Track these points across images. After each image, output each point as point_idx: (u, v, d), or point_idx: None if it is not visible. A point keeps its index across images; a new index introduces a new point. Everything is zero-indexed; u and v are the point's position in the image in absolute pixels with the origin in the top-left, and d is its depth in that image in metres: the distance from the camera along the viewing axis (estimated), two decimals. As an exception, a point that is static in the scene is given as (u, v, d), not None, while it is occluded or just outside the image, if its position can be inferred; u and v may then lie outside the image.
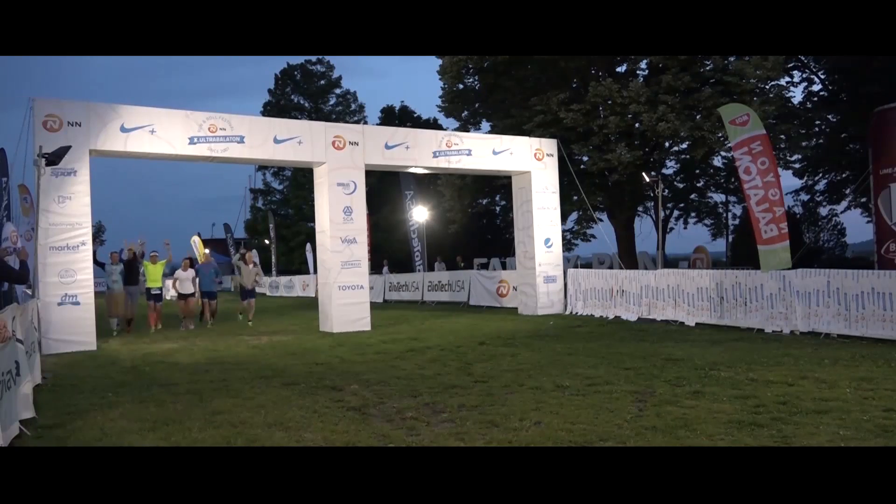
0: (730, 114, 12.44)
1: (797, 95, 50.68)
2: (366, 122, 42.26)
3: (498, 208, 36.43)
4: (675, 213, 28.61)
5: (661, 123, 18.56)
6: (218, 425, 5.72)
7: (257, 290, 17.43)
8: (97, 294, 12.18)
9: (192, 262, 16.13)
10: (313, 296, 23.75)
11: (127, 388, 7.60)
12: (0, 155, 15.70)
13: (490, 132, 22.64)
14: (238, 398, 6.91)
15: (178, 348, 11.39)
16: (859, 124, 18.71)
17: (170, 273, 16.72)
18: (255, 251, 17.16)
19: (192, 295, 14.92)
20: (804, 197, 26.77)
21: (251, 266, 16.03)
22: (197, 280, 15.16)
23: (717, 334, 11.03)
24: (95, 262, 12.72)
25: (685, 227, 29.49)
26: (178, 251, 13.57)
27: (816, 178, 25.47)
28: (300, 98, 45.85)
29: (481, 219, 36.13)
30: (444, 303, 20.92)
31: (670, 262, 24.39)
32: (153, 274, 14.53)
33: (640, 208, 26.21)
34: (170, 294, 19.14)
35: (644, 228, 62.89)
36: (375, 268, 25.41)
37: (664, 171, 23.90)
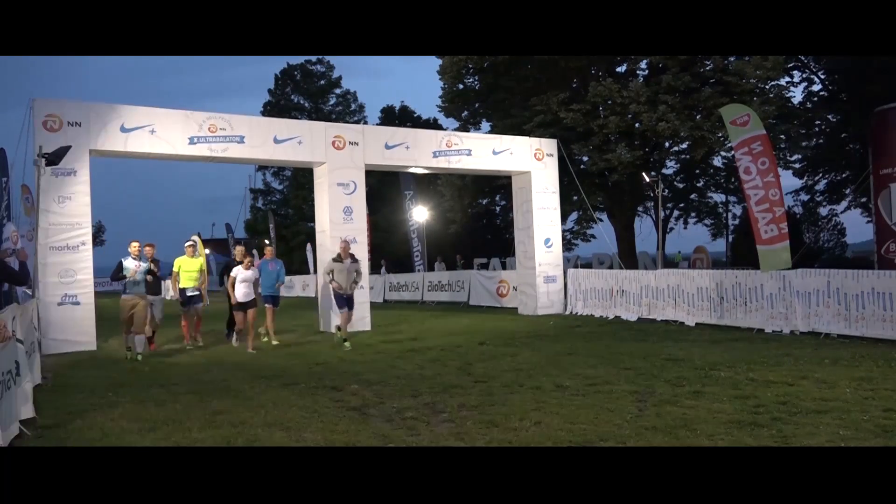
0: (730, 114, 12.45)
1: (797, 95, 50.72)
2: (366, 122, 42.27)
3: (498, 208, 36.44)
4: (675, 213, 28.63)
5: (661, 123, 18.58)
6: (218, 425, 5.72)
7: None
8: (97, 294, 12.14)
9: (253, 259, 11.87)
10: (313, 296, 23.74)
11: (127, 388, 7.60)
12: (0, 155, 15.71)
13: (490, 132, 22.66)
14: (238, 398, 6.91)
15: (178, 348, 11.39)
16: (859, 124, 18.71)
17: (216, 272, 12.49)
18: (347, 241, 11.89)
19: (254, 304, 11.01)
20: (804, 197, 26.81)
21: (348, 261, 11.30)
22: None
23: (717, 334, 11.02)
24: (119, 277, 10.05)
25: (685, 227, 29.54)
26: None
27: (816, 178, 25.48)
28: (300, 98, 45.84)
29: (481, 219, 36.14)
30: (444, 303, 20.91)
31: (670, 262, 24.39)
32: (191, 272, 11.47)
33: (640, 208, 26.23)
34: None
35: (644, 228, 62.92)
36: (374, 268, 25.41)
37: (664, 171, 23.93)
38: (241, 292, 10.82)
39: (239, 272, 10.91)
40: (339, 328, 11.47)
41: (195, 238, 12.86)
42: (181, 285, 11.44)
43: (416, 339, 11.61)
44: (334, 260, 11.35)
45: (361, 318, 13.63)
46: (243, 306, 10.89)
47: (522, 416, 5.74)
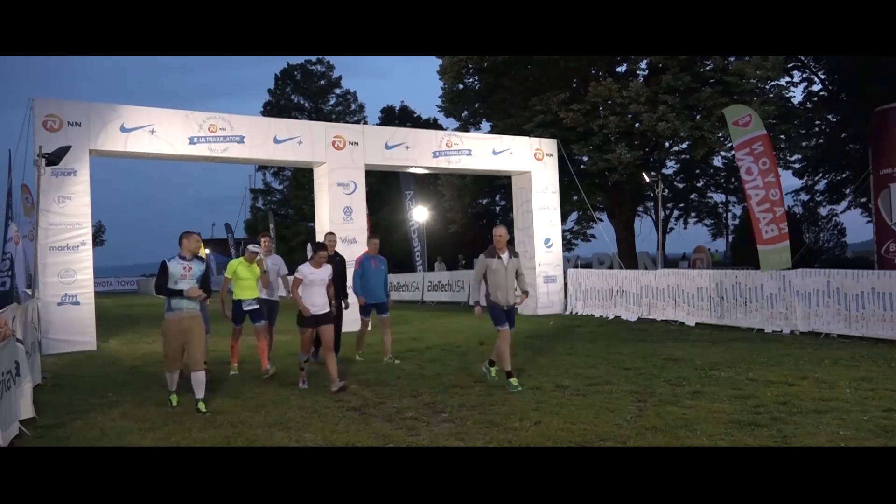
0: (733, 115, 12.47)
1: (797, 95, 50.83)
2: (366, 122, 42.24)
3: (498, 208, 36.41)
4: (675, 213, 28.63)
5: (661, 123, 18.57)
6: (218, 425, 5.72)
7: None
8: (97, 294, 12.11)
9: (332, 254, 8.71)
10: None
11: (127, 388, 7.61)
12: (5, 155, 15.70)
13: (490, 132, 22.65)
14: (238, 398, 6.91)
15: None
16: (859, 124, 18.71)
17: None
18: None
19: (328, 317, 7.52)
20: (804, 197, 26.81)
21: (506, 256, 7.32)
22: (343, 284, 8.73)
23: (717, 334, 11.02)
24: (163, 289, 6.43)
25: (685, 227, 29.54)
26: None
27: (816, 178, 25.50)
28: (300, 98, 45.79)
29: (481, 219, 36.12)
30: (444, 303, 20.90)
31: (670, 262, 24.38)
32: (248, 279, 8.54)
33: (640, 208, 26.23)
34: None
35: (644, 228, 63.00)
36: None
37: (664, 171, 23.92)
38: (310, 301, 7.46)
39: (306, 271, 7.45)
40: (492, 363, 7.68)
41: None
42: (237, 296, 8.56)
43: (416, 339, 11.60)
44: (488, 255, 7.31)
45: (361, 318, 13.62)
46: (315, 321, 7.42)
47: (522, 416, 5.75)
